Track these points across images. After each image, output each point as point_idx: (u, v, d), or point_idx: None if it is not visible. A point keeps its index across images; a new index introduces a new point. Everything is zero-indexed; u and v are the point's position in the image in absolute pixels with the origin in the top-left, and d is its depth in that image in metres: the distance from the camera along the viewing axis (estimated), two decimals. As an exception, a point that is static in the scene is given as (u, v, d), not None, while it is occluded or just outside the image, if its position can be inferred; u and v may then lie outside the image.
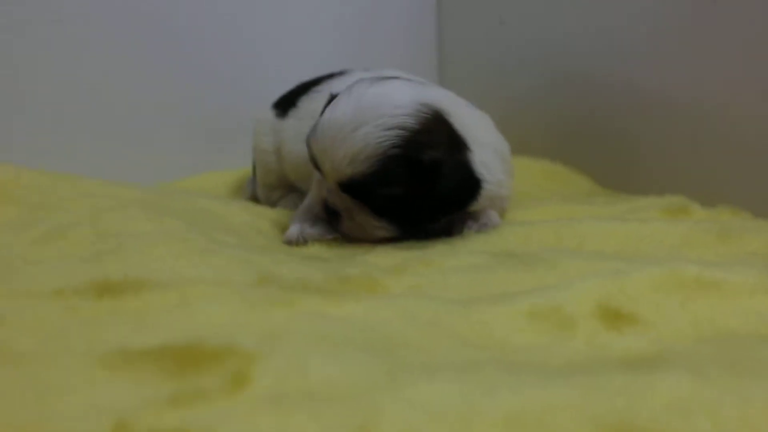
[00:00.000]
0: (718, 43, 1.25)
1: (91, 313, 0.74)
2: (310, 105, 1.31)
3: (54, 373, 0.60)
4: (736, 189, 1.23)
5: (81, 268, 0.85)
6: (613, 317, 0.74)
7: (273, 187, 1.41)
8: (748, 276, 0.80)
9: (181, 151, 1.61)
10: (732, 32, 1.22)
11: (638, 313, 0.75)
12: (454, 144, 1.03)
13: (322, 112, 1.08)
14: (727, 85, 1.24)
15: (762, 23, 1.18)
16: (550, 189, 1.47)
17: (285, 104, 1.38)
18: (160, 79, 1.58)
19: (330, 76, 1.36)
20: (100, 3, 1.50)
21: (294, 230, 1.11)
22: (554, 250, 0.98)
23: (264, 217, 1.22)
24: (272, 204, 1.40)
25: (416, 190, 1.00)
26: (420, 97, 1.03)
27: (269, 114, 1.40)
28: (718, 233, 1.01)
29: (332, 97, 1.09)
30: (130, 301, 0.76)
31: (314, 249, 1.07)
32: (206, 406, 0.55)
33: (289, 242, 1.10)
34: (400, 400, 0.55)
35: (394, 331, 0.71)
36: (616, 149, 1.47)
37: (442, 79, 1.86)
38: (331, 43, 1.74)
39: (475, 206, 1.08)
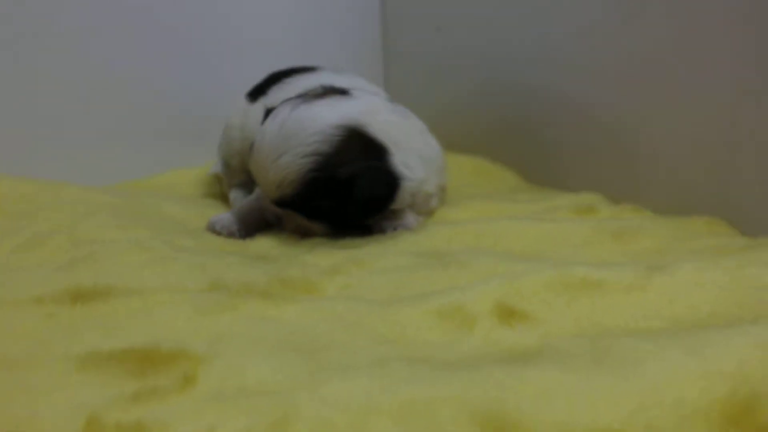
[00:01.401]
0: (634, 62, 1.35)
1: (67, 319, 0.84)
2: (278, 94, 1.42)
3: (39, 376, 0.71)
4: (641, 188, 1.35)
5: (57, 276, 0.95)
6: (508, 315, 0.83)
7: (234, 171, 1.52)
8: (625, 275, 0.88)
9: (149, 149, 1.69)
10: (648, 54, 1.32)
11: (530, 311, 0.83)
12: (371, 151, 1.16)
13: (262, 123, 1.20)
14: (642, 98, 1.34)
15: (674, 44, 1.28)
16: (478, 184, 1.57)
17: (256, 92, 1.51)
18: (128, 79, 1.65)
19: (303, 70, 1.48)
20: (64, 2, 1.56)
21: (217, 221, 1.26)
22: (470, 250, 1.08)
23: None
24: (230, 187, 1.53)
25: (338, 200, 1.14)
26: (337, 118, 1.15)
27: (242, 100, 1.53)
28: (613, 233, 1.12)
29: (267, 112, 1.22)
30: (100, 306, 0.87)
31: (264, 246, 1.19)
32: (161, 403, 0.65)
33: (209, 227, 1.25)
34: (315, 397, 0.64)
35: (321, 333, 0.81)
36: (540, 148, 1.58)
37: (387, 80, 1.98)
38: (286, 46, 1.85)
39: (397, 204, 1.20)
